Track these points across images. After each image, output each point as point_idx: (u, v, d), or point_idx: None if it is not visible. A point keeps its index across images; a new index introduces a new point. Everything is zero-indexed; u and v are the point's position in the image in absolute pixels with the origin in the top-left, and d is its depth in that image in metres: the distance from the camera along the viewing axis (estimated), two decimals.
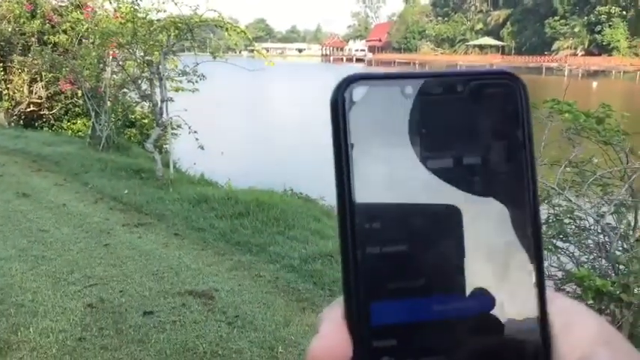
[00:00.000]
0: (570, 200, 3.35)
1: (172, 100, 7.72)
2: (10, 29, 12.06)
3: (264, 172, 11.85)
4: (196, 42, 7.78)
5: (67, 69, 10.70)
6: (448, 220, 0.27)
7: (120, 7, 8.17)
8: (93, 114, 9.78)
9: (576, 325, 0.28)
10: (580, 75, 58.95)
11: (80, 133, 11.98)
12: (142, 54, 7.85)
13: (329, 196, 7.81)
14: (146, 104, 9.88)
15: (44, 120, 12.85)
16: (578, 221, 3.43)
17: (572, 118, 3.54)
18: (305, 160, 14.52)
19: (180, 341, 3.45)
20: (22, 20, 11.89)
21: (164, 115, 7.50)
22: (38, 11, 11.97)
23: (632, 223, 3.30)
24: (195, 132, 7.34)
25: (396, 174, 0.26)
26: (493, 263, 0.27)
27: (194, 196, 6.58)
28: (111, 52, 9.13)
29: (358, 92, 0.26)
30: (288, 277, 4.50)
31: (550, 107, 3.74)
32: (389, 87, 0.26)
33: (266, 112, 28.39)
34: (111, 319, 3.66)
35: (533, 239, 0.27)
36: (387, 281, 0.26)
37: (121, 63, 9.28)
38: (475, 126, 0.27)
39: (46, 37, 11.63)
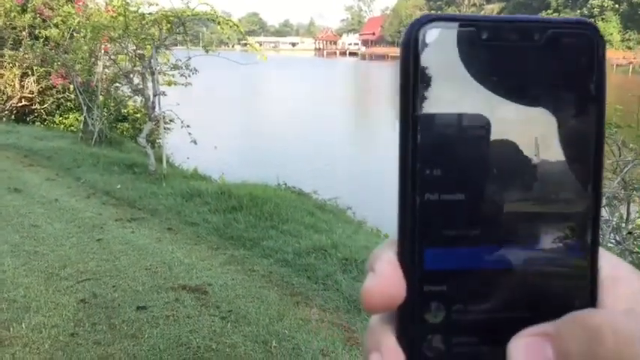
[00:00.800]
0: None
1: (165, 94, 7.68)
2: (0, 23, 11.96)
3: (258, 166, 11.83)
4: (189, 36, 7.74)
5: (59, 63, 10.65)
6: (510, 171, 0.26)
7: (111, 1, 8.12)
8: (85, 108, 9.73)
9: (622, 280, 0.28)
10: None
11: (72, 127, 11.91)
12: (133, 48, 7.81)
13: (322, 190, 7.82)
14: (138, 98, 9.83)
15: (36, 114, 12.76)
16: None
17: None
18: (298, 154, 14.51)
19: (174, 336, 3.44)
20: (12, 14, 11.79)
21: (156, 110, 7.47)
22: (29, 5, 11.87)
23: (625, 216, 3.31)
24: (187, 126, 7.31)
25: (464, 120, 0.26)
26: (548, 217, 0.27)
27: (187, 190, 6.56)
28: (103, 46, 9.07)
29: (432, 34, 0.26)
30: (282, 272, 4.50)
31: None
32: (464, 30, 0.26)
33: (259, 105, 28.32)
34: (104, 314, 3.65)
35: (593, 195, 0.27)
36: (443, 228, 0.26)
37: (112, 57, 9.23)
38: (550, 76, 0.27)
39: (37, 31, 11.56)
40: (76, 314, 3.62)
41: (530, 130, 0.26)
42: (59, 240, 4.95)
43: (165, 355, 3.24)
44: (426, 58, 0.26)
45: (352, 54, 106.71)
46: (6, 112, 12.52)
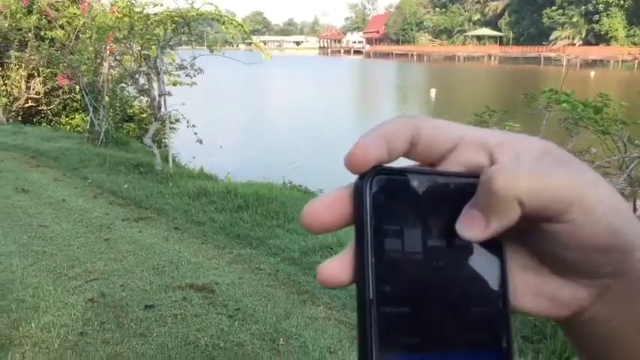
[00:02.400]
0: None
1: (170, 95, 7.71)
2: (6, 25, 12.02)
3: (264, 165, 11.86)
4: (193, 36, 7.76)
5: (65, 64, 10.70)
6: (443, 291, 0.31)
7: (116, 2, 8.15)
8: (91, 109, 9.77)
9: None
10: (578, 65, 58.86)
11: (79, 128, 11.97)
12: (139, 48, 7.84)
13: (328, 189, 7.82)
14: (144, 99, 9.87)
15: (42, 115, 12.84)
16: None
17: (570, 108, 3.54)
18: (304, 152, 14.52)
19: (182, 335, 3.47)
20: (18, 16, 11.85)
21: (162, 109, 7.50)
22: (35, 6, 11.93)
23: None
24: (193, 126, 7.34)
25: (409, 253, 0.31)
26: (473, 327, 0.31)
27: (193, 189, 6.59)
28: (108, 47, 9.11)
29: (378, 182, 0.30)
30: (289, 270, 4.51)
31: (548, 97, 3.75)
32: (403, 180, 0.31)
33: (265, 104, 28.35)
34: (112, 314, 3.68)
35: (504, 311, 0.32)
36: (400, 338, 0.30)
37: (118, 58, 9.27)
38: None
39: (42, 33, 11.61)
40: (85, 313, 3.65)
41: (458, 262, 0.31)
42: (67, 240, 4.99)
43: (173, 353, 3.27)
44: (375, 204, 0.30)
45: (356, 52, 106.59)
46: (13, 113, 12.60)
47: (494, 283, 0.31)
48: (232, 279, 4.31)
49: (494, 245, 0.31)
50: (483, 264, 0.32)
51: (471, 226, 0.30)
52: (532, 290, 0.32)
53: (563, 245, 0.30)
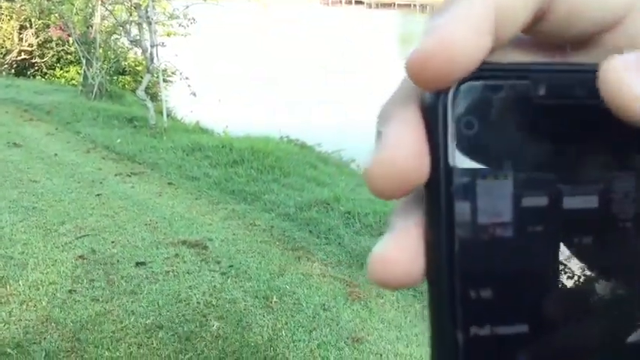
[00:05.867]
0: None
1: (164, 45, 7.49)
2: None
3: (262, 118, 11.69)
4: None
5: (56, 15, 10.40)
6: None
7: None
8: (84, 61, 9.54)
9: None
10: None
11: (73, 81, 11.73)
12: None
13: (325, 143, 7.70)
14: (139, 50, 9.63)
15: (36, 68, 12.57)
16: None
17: None
18: (302, 105, 14.32)
19: (173, 292, 3.40)
20: None
21: (155, 61, 7.29)
22: None
23: None
24: (187, 78, 7.15)
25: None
26: None
27: (188, 144, 6.46)
28: None
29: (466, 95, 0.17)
30: (284, 226, 4.43)
31: None
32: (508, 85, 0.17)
33: (263, 56, 27.91)
34: (102, 271, 3.60)
35: None
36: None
37: (109, 7, 8.98)
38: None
39: None
40: (74, 271, 3.58)
41: None
42: (58, 195, 4.89)
43: (164, 311, 3.21)
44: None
45: (358, 2, 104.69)
46: (5, 66, 12.33)
47: None
48: (226, 235, 4.23)
49: None
50: None
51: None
52: None
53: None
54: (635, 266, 0.18)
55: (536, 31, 0.18)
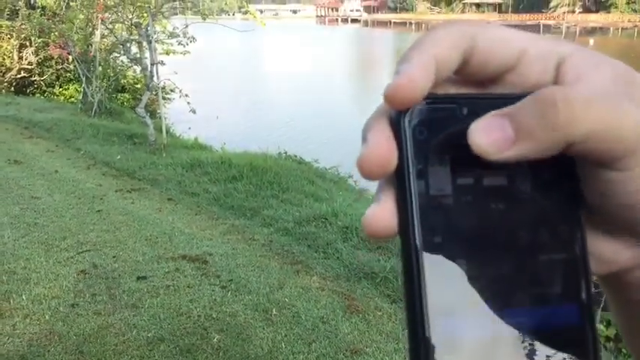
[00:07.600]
0: None
1: (163, 64, 7.59)
2: None
3: (259, 135, 11.77)
4: (186, 3, 7.60)
5: (56, 33, 10.51)
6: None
7: None
8: (84, 79, 9.64)
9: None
10: (577, 32, 58.36)
11: (72, 98, 11.83)
12: (130, 16, 7.68)
13: (322, 159, 7.77)
14: (138, 69, 9.73)
15: (36, 86, 12.67)
16: None
17: None
18: (300, 122, 14.42)
19: (174, 305, 3.45)
20: None
21: (154, 79, 7.38)
22: None
23: None
24: (186, 95, 7.23)
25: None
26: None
27: (187, 160, 6.53)
28: (99, 15, 8.94)
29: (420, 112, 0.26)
30: (282, 240, 4.49)
31: None
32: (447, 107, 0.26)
33: (260, 75, 28.08)
34: (104, 285, 3.65)
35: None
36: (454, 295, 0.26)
37: (109, 26, 9.10)
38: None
39: (33, 1, 11.39)
40: (77, 285, 3.62)
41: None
42: (59, 211, 4.94)
43: (165, 324, 3.25)
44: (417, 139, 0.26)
45: (354, 21, 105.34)
46: (5, 83, 12.42)
47: (566, 226, 0.26)
48: (226, 250, 4.28)
49: (567, 181, 0.26)
50: (554, 204, 0.26)
51: (490, 136, 0.24)
52: None
53: (613, 196, 0.25)
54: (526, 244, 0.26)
55: (463, 72, 0.26)
